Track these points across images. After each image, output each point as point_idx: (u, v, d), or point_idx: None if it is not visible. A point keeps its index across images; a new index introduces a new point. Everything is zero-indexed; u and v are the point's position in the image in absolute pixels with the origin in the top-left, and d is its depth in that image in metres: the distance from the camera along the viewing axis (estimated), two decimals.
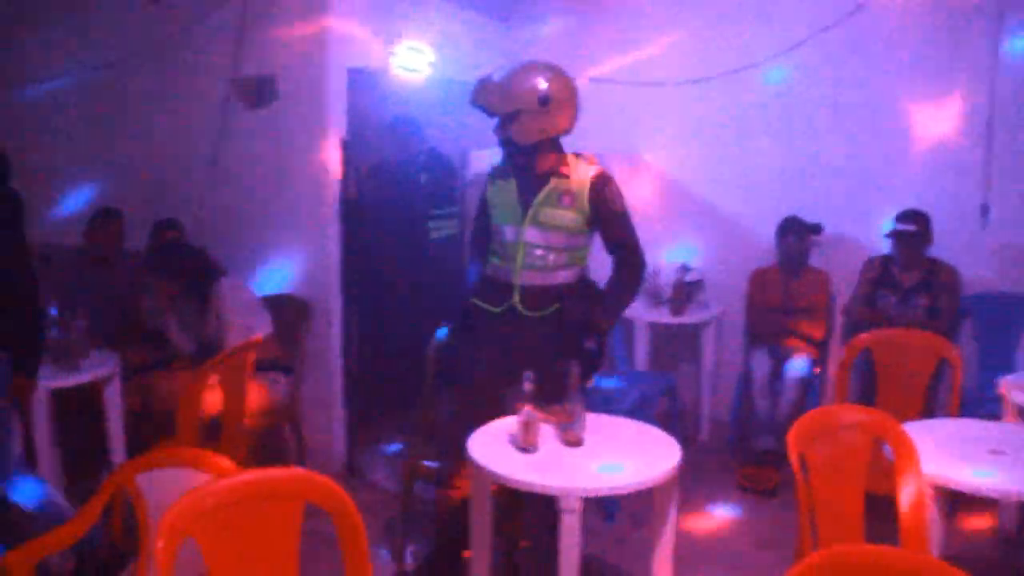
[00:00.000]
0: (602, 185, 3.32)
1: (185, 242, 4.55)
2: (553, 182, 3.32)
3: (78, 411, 4.20)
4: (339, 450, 4.69)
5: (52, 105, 5.49)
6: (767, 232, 5.22)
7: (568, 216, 3.32)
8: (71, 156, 5.48)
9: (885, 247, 4.87)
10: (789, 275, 5.12)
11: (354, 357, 4.74)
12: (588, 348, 3.25)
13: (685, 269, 5.46)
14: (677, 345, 5.71)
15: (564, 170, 3.34)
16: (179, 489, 2.49)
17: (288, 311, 4.56)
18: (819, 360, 4.98)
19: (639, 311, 5.41)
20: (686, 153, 5.69)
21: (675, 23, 5.59)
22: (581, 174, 3.33)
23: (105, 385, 4.05)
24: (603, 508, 4.20)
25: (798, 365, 4.79)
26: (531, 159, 3.34)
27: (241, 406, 3.84)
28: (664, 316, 5.38)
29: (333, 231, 4.52)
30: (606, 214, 3.34)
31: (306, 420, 4.59)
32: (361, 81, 4.67)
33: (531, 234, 3.34)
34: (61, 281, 4.81)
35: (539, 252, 3.35)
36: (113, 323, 4.57)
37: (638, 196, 5.73)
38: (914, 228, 4.69)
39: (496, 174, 3.50)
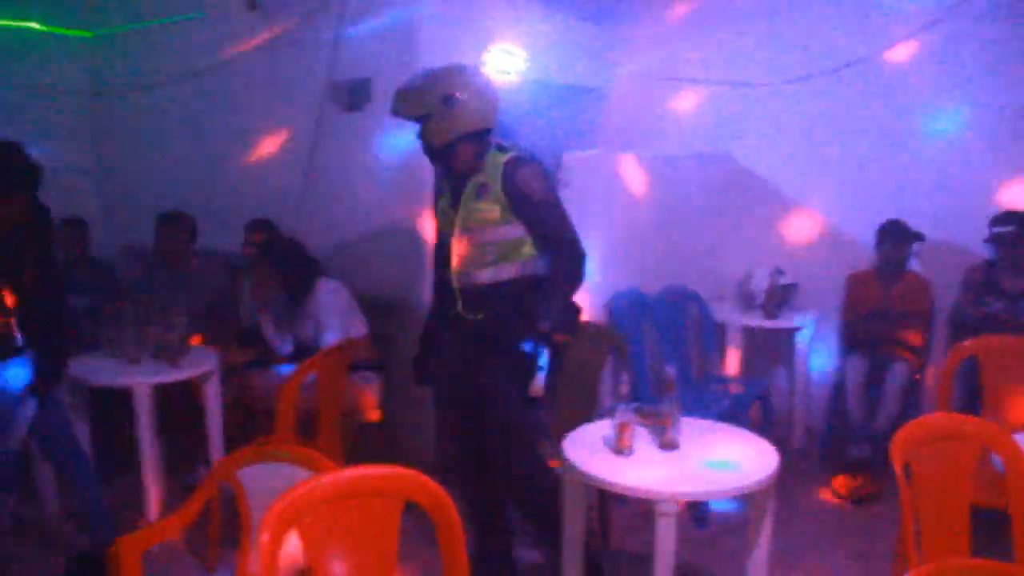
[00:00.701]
0: (513, 169, 3.20)
1: (291, 238, 4.62)
2: (473, 178, 3.26)
3: (179, 407, 4.34)
4: (429, 448, 4.73)
5: (154, 111, 5.68)
6: (864, 236, 5.10)
7: (486, 208, 3.22)
8: (170, 158, 5.66)
9: (986, 253, 4.71)
10: (887, 280, 4.99)
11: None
12: (518, 350, 3.18)
13: (779, 272, 5.37)
14: (770, 350, 5.62)
15: (481, 163, 3.25)
16: (279, 484, 2.55)
17: (380, 311, 4.62)
18: (918, 368, 4.85)
19: (732, 315, 5.35)
20: (780, 154, 5.59)
21: (769, 21, 5.51)
22: (496, 163, 3.23)
23: (205, 382, 4.17)
24: (693, 513, 4.16)
25: (898, 372, 4.66)
26: (451, 160, 3.29)
27: (337, 404, 3.91)
28: (757, 320, 5.30)
29: (426, 232, 4.57)
30: (519, 199, 3.19)
31: (397, 418, 4.64)
32: None
33: (460, 234, 3.28)
34: (136, 280, 4.99)
35: (470, 251, 3.27)
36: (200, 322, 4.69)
37: (729, 198, 5.68)
38: (1013, 229, 4.53)
39: (439, 187, 3.48)
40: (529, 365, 3.20)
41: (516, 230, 3.24)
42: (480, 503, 3.54)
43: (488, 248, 3.24)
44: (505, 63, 4.88)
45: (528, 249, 3.26)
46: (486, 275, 3.25)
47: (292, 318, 4.37)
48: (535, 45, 5.11)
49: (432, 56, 4.49)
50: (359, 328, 4.34)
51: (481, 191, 3.22)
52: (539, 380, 3.21)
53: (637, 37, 5.90)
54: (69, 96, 5.91)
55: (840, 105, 5.35)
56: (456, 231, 3.29)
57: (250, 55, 5.03)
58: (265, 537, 2.01)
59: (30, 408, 3.43)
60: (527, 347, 3.17)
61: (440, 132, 3.22)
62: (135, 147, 5.94)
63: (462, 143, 3.24)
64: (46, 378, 3.43)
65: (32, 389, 3.39)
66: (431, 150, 3.29)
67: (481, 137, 3.26)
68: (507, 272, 3.26)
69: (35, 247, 3.44)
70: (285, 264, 4.34)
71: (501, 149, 3.27)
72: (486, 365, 3.28)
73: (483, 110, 3.25)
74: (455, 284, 3.33)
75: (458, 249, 3.29)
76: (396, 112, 3.30)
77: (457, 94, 3.19)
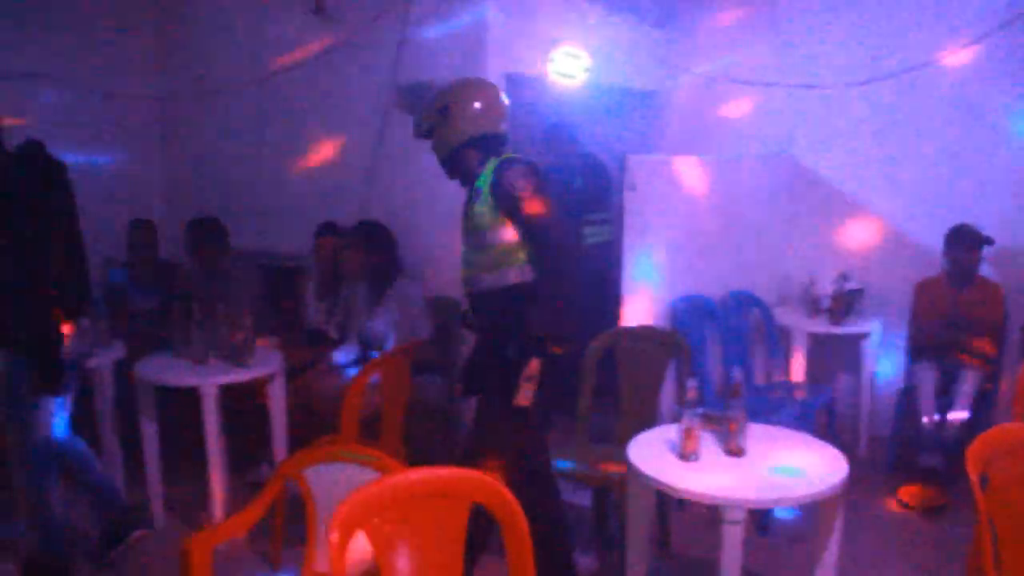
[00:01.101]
0: (502, 169, 3.13)
1: (385, 227, 4.64)
2: (474, 185, 3.25)
3: (243, 407, 4.40)
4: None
5: (220, 116, 5.78)
6: (931, 241, 4.99)
7: (479, 212, 3.16)
8: (234, 162, 5.75)
9: None
10: (958, 286, 4.87)
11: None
12: (507, 361, 3.10)
13: (845, 277, 5.27)
14: (835, 356, 5.52)
15: (480, 170, 3.23)
16: (344, 484, 2.58)
17: (443, 313, 4.64)
18: (990, 376, 4.73)
19: (796, 320, 5.27)
20: (845, 157, 5.50)
21: (834, 23, 5.43)
22: (492, 167, 3.18)
23: (269, 382, 4.22)
24: (756, 520, 4.11)
25: (970, 380, 4.55)
26: (457, 169, 3.31)
27: (400, 406, 3.93)
28: (822, 325, 5.21)
29: None
30: (505, 199, 3.09)
31: (458, 421, 4.66)
32: (518, 87, 4.72)
33: (464, 240, 3.29)
34: (186, 285, 5.07)
35: (472, 257, 3.25)
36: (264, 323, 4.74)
37: (793, 201, 5.61)
38: None
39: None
40: (516, 375, 3.07)
41: (509, 233, 3.14)
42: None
43: (486, 253, 3.19)
44: (569, 67, 4.88)
45: (523, 255, 3.16)
46: (486, 281, 3.21)
47: (366, 311, 4.39)
48: (598, 49, 5.10)
49: (497, 59, 4.53)
50: (426, 330, 4.36)
51: (475, 195, 3.20)
52: (527, 393, 3.06)
53: (699, 39, 5.86)
54: (139, 101, 6.04)
55: (906, 108, 5.24)
56: (463, 237, 3.30)
57: (315, 59, 5.10)
58: (334, 536, 2.03)
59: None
60: (517, 356, 3.07)
61: (441, 144, 3.27)
62: (201, 151, 6.06)
63: (463, 151, 3.25)
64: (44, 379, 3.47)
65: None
66: (441, 163, 3.33)
67: (482, 144, 3.24)
68: (506, 278, 3.18)
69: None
70: (378, 248, 4.39)
71: (507, 157, 3.22)
72: (480, 375, 3.28)
73: (480, 116, 3.22)
74: (464, 290, 3.34)
75: (464, 255, 3.30)
76: (415, 134, 3.36)
77: (451, 104, 3.22)
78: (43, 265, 3.43)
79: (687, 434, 2.84)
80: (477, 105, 3.23)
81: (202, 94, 5.80)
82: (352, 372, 4.37)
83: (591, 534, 4.04)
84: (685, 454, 2.86)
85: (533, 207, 3.08)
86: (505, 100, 3.32)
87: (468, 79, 3.38)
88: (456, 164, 3.30)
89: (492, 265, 3.18)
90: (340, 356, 4.51)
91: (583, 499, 4.30)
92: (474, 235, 3.21)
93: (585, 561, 3.81)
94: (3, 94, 4.88)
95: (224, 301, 4.67)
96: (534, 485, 3.25)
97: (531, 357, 3.05)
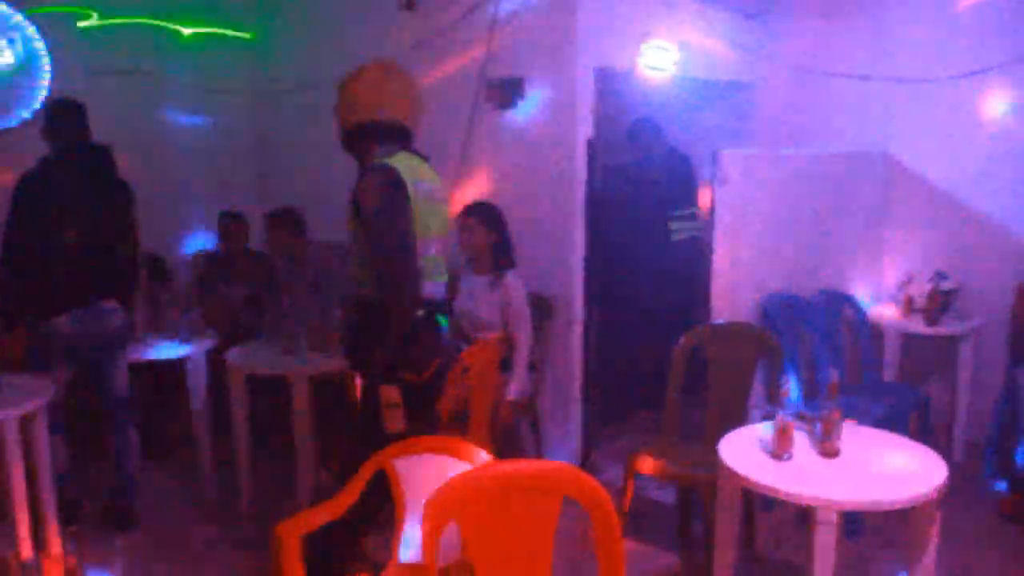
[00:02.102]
0: (360, 176, 2.85)
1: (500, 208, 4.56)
2: None
3: (329, 397, 4.46)
4: (574, 446, 4.73)
5: (312, 111, 5.85)
6: None
7: (348, 217, 2.88)
8: (324, 157, 5.81)
9: None
10: None
11: (594, 355, 4.76)
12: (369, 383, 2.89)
13: (941, 276, 5.12)
14: (930, 357, 5.36)
15: (372, 162, 2.91)
16: (433, 475, 2.60)
17: (532, 310, 4.63)
18: None
19: (890, 319, 5.14)
20: (946, 153, 5.32)
21: (935, 11, 5.26)
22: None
23: None
24: (846, 522, 4.01)
25: None
26: (356, 158, 3.02)
27: (489, 398, 3.92)
28: (917, 326, 5.06)
29: (577, 231, 4.56)
30: (356, 208, 2.79)
31: (544, 415, 4.66)
32: (607, 81, 4.69)
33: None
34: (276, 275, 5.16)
35: (351, 268, 2.95)
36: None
37: (888, 197, 5.46)
38: None
39: None
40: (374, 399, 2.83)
41: (365, 247, 2.85)
42: None
43: (355, 263, 2.91)
44: (659, 60, 4.82)
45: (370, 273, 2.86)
46: (363, 293, 2.91)
47: (477, 296, 4.40)
48: (689, 41, 5.04)
49: (586, 53, 4.50)
50: (527, 324, 4.38)
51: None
52: (394, 418, 2.79)
53: (791, 30, 5.73)
54: (236, 95, 6.18)
55: (1010, 102, 5.06)
56: None
57: (405, 54, 5.13)
58: (427, 525, 2.04)
59: None
60: (375, 383, 2.84)
61: (336, 127, 3.03)
62: (292, 146, 6.16)
63: (353, 139, 3.00)
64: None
65: None
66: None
67: (369, 134, 2.95)
68: (362, 293, 2.91)
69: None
70: (498, 229, 4.37)
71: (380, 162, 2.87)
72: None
73: (352, 102, 2.98)
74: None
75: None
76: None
77: (347, 85, 3.02)
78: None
79: (781, 433, 2.79)
80: (383, 90, 2.97)
81: (295, 89, 5.89)
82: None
83: (675, 533, 4.00)
84: (778, 453, 2.81)
85: (377, 223, 2.76)
86: (406, 88, 3.04)
87: (385, 62, 3.09)
88: (351, 151, 3.02)
89: (352, 277, 2.94)
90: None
91: (667, 496, 4.26)
92: (350, 243, 2.91)
93: (668, 560, 3.78)
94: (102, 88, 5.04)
95: (315, 291, 4.77)
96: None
97: (385, 384, 2.79)
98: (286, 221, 5.02)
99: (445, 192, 3.21)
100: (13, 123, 5.00)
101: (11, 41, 5.02)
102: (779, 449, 2.80)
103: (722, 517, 3.02)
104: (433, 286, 2.98)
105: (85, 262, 3.89)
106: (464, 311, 4.41)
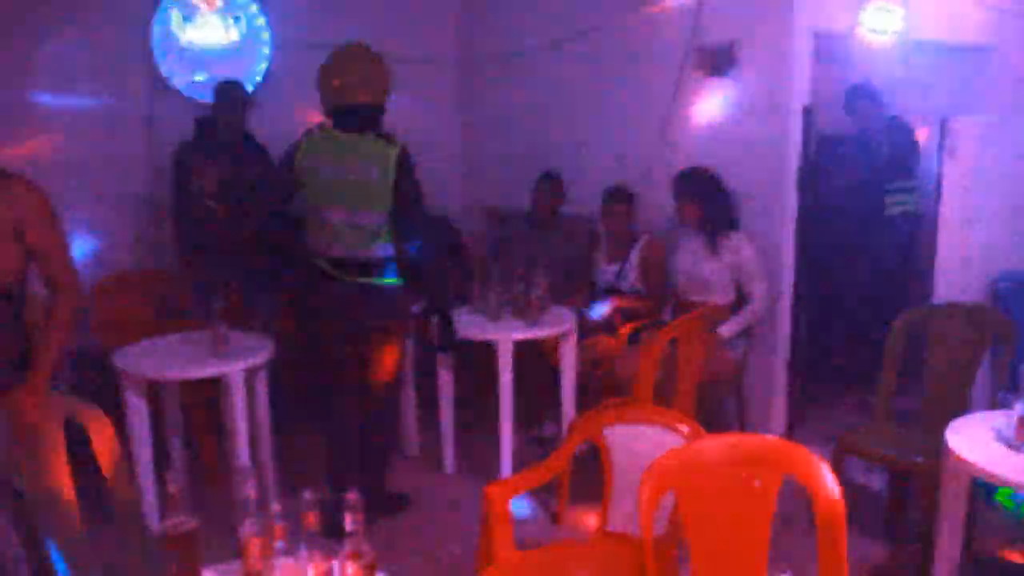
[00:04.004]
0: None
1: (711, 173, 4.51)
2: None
3: (531, 365, 4.50)
4: (778, 424, 4.58)
5: (516, 79, 5.90)
6: None
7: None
8: (528, 125, 5.85)
9: None
10: None
11: (802, 330, 4.58)
12: None
13: None
14: None
15: None
16: (641, 446, 2.57)
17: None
18: None
19: None
20: None
21: None
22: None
23: (562, 341, 4.28)
24: None
25: None
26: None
27: (696, 370, 3.84)
28: None
29: (789, 201, 4.37)
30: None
31: (749, 389, 4.53)
32: (825, 45, 4.46)
33: None
34: (509, 241, 5.19)
35: None
36: (559, 282, 4.79)
37: None
38: None
39: None
40: None
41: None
42: None
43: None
44: (882, 22, 4.52)
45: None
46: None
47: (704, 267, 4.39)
48: (916, 0, 4.69)
49: (804, 15, 4.28)
50: (759, 290, 4.34)
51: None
52: None
53: None
54: (440, 64, 6.29)
55: None
56: None
57: (612, 21, 5.07)
58: (645, 494, 2.02)
59: None
60: None
61: (364, 102, 3.59)
62: (495, 114, 6.22)
63: (381, 114, 3.64)
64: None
65: None
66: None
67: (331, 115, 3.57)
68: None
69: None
70: (705, 196, 4.37)
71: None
72: None
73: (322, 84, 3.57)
74: None
75: None
76: None
77: (375, 63, 3.64)
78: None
79: (1021, 422, 2.59)
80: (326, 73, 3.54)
81: (498, 57, 5.94)
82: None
83: (882, 522, 3.80)
84: (1017, 444, 2.61)
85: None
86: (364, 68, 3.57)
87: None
88: (373, 125, 3.59)
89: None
90: (594, 312, 4.62)
91: (876, 483, 4.07)
92: None
93: (874, 551, 3.59)
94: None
95: (549, 255, 4.81)
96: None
97: None
98: (558, 185, 5.13)
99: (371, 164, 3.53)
100: None
101: (236, 19, 5.30)
102: (1019, 439, 2.60)
103: (947, 509, 2.84)
104: (341, 248, 3.56)
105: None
106: (685, 271, 4.44)
